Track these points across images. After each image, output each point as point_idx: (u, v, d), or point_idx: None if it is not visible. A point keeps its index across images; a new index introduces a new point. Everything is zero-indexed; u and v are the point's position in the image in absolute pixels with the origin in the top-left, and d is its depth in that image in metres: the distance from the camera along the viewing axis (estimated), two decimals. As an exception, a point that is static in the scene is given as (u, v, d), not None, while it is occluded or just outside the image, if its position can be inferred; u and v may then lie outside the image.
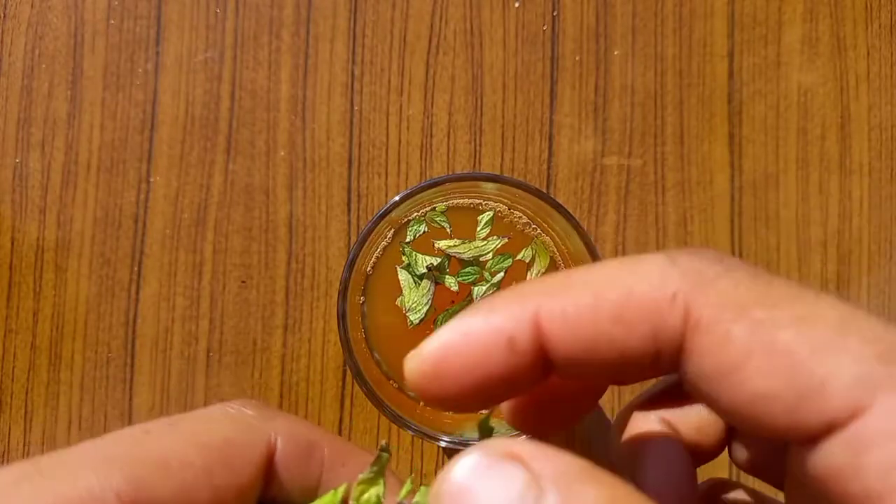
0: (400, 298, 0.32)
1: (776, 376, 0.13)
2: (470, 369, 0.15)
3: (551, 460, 0.13)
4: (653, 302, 0.14)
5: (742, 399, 0.14)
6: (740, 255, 0.38)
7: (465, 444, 0.30)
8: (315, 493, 0.19)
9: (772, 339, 0.13)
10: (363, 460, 0.19)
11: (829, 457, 0.13)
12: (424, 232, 0.32)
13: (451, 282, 0.32)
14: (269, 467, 0.18)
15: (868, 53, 0.39)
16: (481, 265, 0.32)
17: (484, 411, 0.18)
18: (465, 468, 0.13)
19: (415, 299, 0.32)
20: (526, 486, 0.12)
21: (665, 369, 0.15)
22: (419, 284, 0.32)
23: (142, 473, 0.15)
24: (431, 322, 0.32)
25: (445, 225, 0.32)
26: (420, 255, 0.32)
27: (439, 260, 0.32)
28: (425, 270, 0.31)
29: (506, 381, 0.15)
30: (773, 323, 0.13)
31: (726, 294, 0.14)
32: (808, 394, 0.13)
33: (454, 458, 0.13)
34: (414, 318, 0.32)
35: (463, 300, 0.32)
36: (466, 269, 0.32)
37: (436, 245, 0.32)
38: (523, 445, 0.13)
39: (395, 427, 0.37)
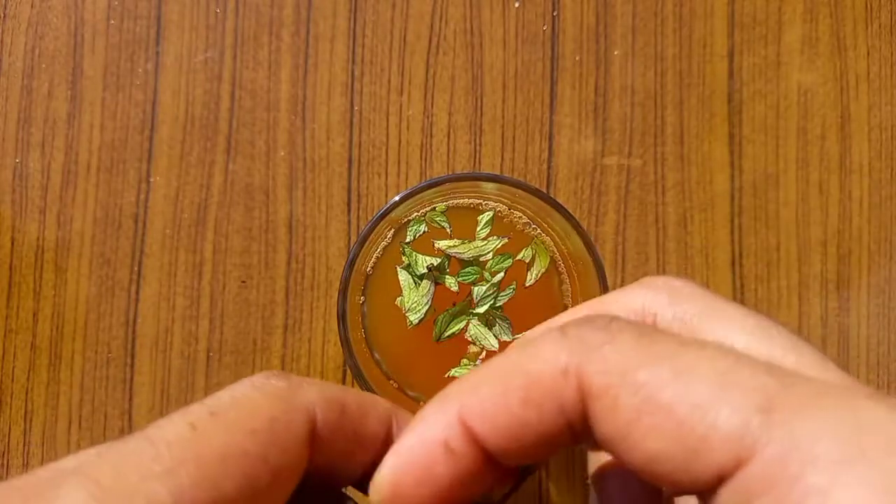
0: (399, 299, 0.32)
1: (663, 437, 0.14)
2: (423, 484, 0.16)
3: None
4: (550, 380, 0.15)
5: (640, 459, 0.14)
6: (740, 256, 0.38)
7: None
8: (352, 451, 0.19)
9: (655, 400, 0.14)
10: (380, 408, 0.19)
11: None
12: (424, 232, 0.32)
13: (451, 282, 0.32)
14: (313, 437, 0.18)
15: (868, 53, 0.39)
16: (481, 265, 0.32)
17: None
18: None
19: (414, 300, 0.32)
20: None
21: (587, 438, 0.16)
22: (419, 285, 0.32)
23: (206, 474, 0.15)
24: (431, 322, 0.32)
25: (445, 225, 0.32)
26: (420, 256, 0.32)
27: (439, 260, 0.32)
28: (425, 271, 0.31)
29: (462, 482, 0.16)
30: (655, 383, 0.14)
31: (611, 361, 0.15)
32: (693, 449, 0.14)
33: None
34: (413, 318, 0.32)
35: (463, 300, 0.32)
36: (466, 270, 0.32)
37: (436, 245, 0.32)
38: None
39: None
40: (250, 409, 0.17)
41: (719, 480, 0.14)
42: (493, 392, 0.16)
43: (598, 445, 0.16)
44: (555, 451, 0.16)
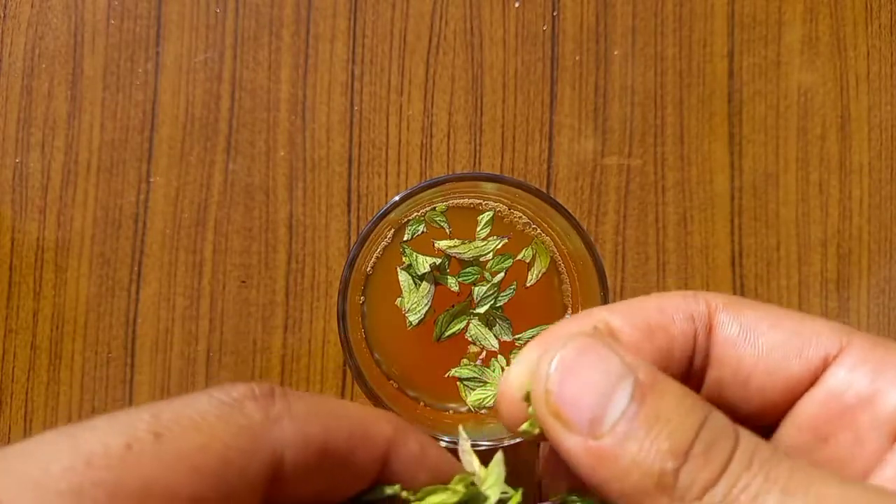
0: (399, 300, 0.32)
1: (782, 330, 0.18)
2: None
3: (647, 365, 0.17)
4: (681, 298, 0.19)
5: (759, 352, 0.18)
6: (740, 256, 0.38)
7: (465, 444, 0.30)
8: (336, 485, 0.17)
9: (773, 311, 0.19)
10: (380, 434, 0.18)
11: (828, 386, 0.18)
12: (423, 232, 0.32)
13: (451, 282, 0.32)
14: (277, 480, 0.16)
15: (868, 53, 0.39)
16: (481, 265, 0.32)
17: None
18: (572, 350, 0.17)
19: (414, 300, 0.31)
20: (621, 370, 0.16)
21: (693, 373, 0.19)
22: (419, 286, 0.32)
23: None
24: (432, 322, 0.32)
25: (445, 225, 0.32)
26: (420, 256, 0.32)
27: (440, 260, 0.32)
28: (427, 270, 0.31)
29: None
30: (768, 306, 0.19)
31: (726, 296, 0.19)
32: (807, 336, 0.18)
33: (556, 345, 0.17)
34: (413, 318, 0.32)
35: (463, 300, 0.32)
36: (467, 270, 0.32)
37: (436, 245, 0.32)
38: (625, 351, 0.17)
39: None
40: (203, 441, 0.15)
41: (824, 363, 0.17)
42: (631, 301, 0.19)
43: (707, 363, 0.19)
44: (673, 361, 0.19)
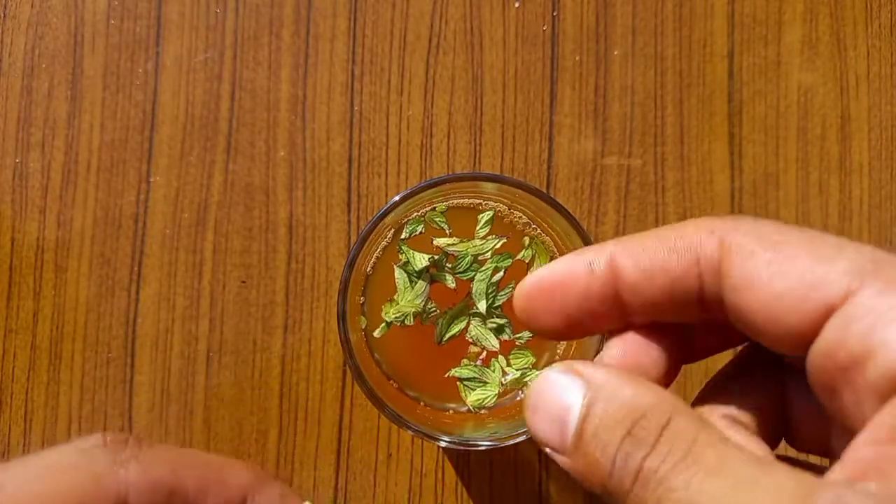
0: (385, 306, 0.32)
1: (787, 278, 0.17)
2: (562, 289, 0.19)
3: (601, 371, 0.18)
4: (695, 235, 0.19)
5: (763, 300, 0.17)
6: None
7: (466, 444, 0.30)
8: None
9: (784, 253, 0.17)
10: (235, 484, 0.19)
11: (826, 340, 0.17)
12: (422, 232, 0.32)
13: (449, 279, 0.32)
14: None
15: (868, 53, 0.39)
16: (480, 264, 0.32)
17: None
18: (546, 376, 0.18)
19: (408, 298, 0.31)
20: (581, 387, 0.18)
21: (709, 305, 0.19)
22: (414, 284, 0.32)
23: None
24: (432, 322, 0.32)
25: (444, 226, 0.32)
26: (418, 253, 0.32)
27: (437, 257, 0.32)
28: (425, 265, 0.31)
29: (590, 305, 0.19)
30: (786, 244, 0.17)
31: (752, 230, 0.18)
32: (812, 285, 0.17)
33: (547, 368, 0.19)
34: (406, 320, 0.32)
35: (461, 300, 0.32)
36: (465, 267, 0.32)
37: (434, 242, 0.32)
38: (584, 365, 0.18)
39: (394, 427, 0.37)
40: (54, 485, 0.16)
41: (826, 313, 0.17)
42: (646, 239, 0.19)
43: (710, 310, 0.19)
44: (674, 311, 0.19)
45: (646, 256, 0.19)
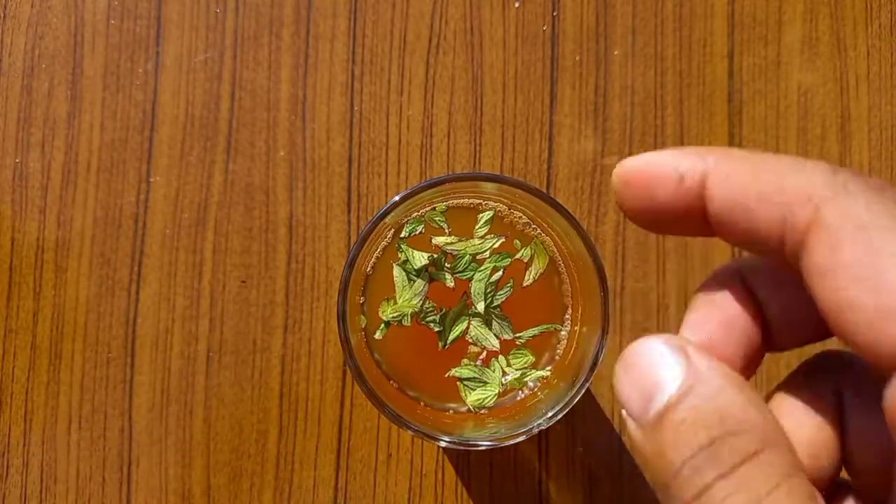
0: (382, 303, 0.32)
1: (865, 289, 0.15)
2: (649, 188, 0.19)
3: (706, 360, 0.17)
4: (792, 197, 0.17)
5: (834, 300, 0.15)
6: (740, 256, 0.38)
7: (466, 444, 0.30)
8: None
9: (873, 257, 0.15)
10: None
11: None
12: (421, 232, 0.32)
13: (447, 278, 0.32)
14: None
15: (868, 53, 0.39)
16: (479, 263, 0.32)
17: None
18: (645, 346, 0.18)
19: (406, 297, 0.32)
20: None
21: (788, 258, 0.17)
22: (412, 283, 0.32)
23: None
24: (432, 323, 0.32)
25: (444, 225, 0.32)
26: (417, 252, 0.32)
27: (436, 256, 0.32)
28: (426, 262, 0.31)
29: (673, 210, 0.19)
30: (881, 244, 0.15)
31: (855, 211, 0.16)
32: (887, 314, 0.14)
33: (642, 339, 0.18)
34: (406, 319, 0.32)
35: (460, 300, 0.32)
36: (463, 266, 0.32)
37: (433, 241, 0.32)
38: (691, 346, 0.17)
39: (394, 427, 0.37)
40: None
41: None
42: (742, 165, 0.17)
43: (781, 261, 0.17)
44: (757, 251, 0.18)
45: (734, 193, 0.17)
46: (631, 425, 0.17)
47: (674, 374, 0.17)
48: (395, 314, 0.31)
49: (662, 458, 0.16)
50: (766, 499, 0.15)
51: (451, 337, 0.32)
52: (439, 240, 0.32)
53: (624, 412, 0.18)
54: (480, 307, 0.32)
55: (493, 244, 0.32)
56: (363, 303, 0.32)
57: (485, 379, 0.32)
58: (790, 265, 0.17)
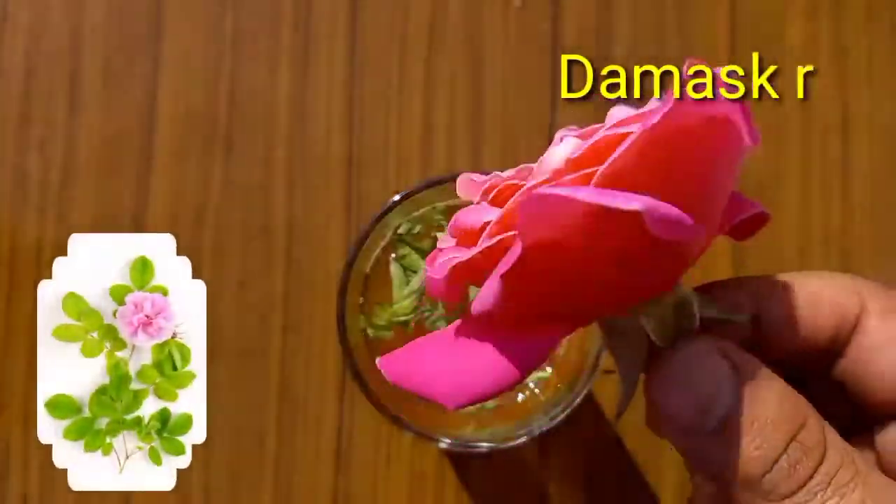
0: (390, 300, 0.32)
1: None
2: None
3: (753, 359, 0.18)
4: (842, 289, 0.19)
5: (879, 373, 0.18)
6: (741, 256, 0.38)
7: (466, 446, 0.30)
8: None
9: None
10: None
11: None
12: (421, 231, 0.32)
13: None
14: None
15: (868, 53, 0.39)
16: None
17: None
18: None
19: (404, 295, 0.31)
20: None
21: (833, 353, 0.19)
22: (410, 279, 0.32)
23: None
24: (429, 322, 0.32)
25: (444, 224, 0.32)
26: (416, 251, 0.32)
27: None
28: (422, 259, 0.31)
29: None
30: None
31: (892, 300, 0.19)
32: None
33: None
34: (403, 318, 0.31)
35: (459, 302, 0.32)
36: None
37: (434, 235, 0.32)
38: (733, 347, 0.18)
39: (394, 428, 0.37)
40: None
41: None
42: (793, 280, 0.20)
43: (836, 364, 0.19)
44: (807, 348, 0.19)
45: (796, 307, 0.19)
46: (678, 437, 0.18)
47: (723, 374, 0.17)
48: (392, 319, 0.31)
49: (740, 458, 0.17)
50: (858, 469, 0.16)
51: None
52: (439, 234, 0.32)
53: (670, 426, 0.18)
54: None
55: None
56: (362, 303, 0.32)
57: (485, 379, 0.32)
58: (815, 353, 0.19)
